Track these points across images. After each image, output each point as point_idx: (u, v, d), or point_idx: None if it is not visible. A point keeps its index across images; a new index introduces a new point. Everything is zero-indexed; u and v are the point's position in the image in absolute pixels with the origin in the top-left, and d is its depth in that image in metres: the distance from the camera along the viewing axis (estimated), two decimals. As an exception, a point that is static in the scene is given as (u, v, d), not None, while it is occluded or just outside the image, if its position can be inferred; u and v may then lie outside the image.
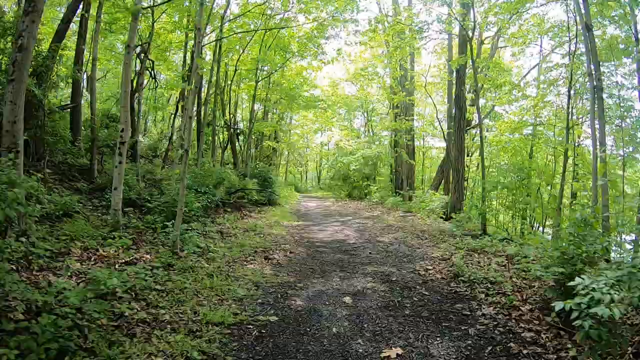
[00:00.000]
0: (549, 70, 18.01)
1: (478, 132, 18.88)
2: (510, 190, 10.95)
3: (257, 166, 18.49)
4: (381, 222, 12.20)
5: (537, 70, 19.43)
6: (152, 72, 18.44)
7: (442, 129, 17.19)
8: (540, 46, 17.55)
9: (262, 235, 8.86)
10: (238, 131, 23.48)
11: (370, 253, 7.53)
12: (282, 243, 8.24)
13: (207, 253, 6.49)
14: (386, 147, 24.76)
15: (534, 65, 19.58)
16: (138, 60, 18.73)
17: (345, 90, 32.52)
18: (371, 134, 28.41)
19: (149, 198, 8.83)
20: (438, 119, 17.28)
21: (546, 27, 17.52)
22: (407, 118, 20.11)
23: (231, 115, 23.45)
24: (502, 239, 8.80)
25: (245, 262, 6.40)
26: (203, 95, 17.99)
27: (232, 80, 22.18)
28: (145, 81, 18.41)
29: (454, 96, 18.14)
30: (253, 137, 21.70)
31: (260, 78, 19.43)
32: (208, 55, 19.48)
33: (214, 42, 18.67)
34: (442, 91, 23.35)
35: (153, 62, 18.31)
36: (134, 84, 18.75)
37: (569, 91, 17.19)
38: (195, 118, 19.84)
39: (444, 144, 30.21)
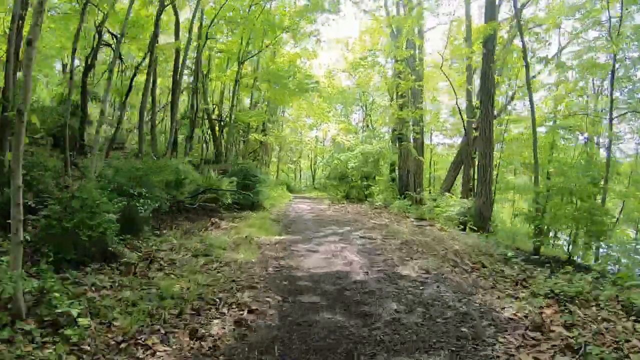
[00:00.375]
0: (586, 50, 14.76)
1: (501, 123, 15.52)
2: (575, 195, 7.61)
3: (239, 162, 15.03)
4: (394, 236, 8.78)
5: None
6: (115, 49, 15.01)
7: (462, 118, 13.81)
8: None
9: (213, 268, 5.40)
10: (223, 123, 19.94)
11: (395, 310, 4.06)
12: (243, 284, 4.77)
13: (65, 327, 3.04)
14: (387, 143, 21.36)
15: (564, 45, 16.29)
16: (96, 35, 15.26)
17: (342, 83, 29.22)
18: (371, 128, 25.01)
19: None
20: (458, 105, 13.87)
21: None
22: (417, 106, 16.73)
23: (214, 105, 19.94)
24: (596, 274, 5.41)
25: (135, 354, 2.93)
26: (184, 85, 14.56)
27: (212, 66, 18.71)
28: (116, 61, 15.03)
29: (477, 78, 14.72)
30: (238, 129, 18.21)
31: (244, 57, 15.94)
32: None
33: (193, 17, 15.22)
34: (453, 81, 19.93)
35: (117, 36, 14.87)
36: (89, 60, 15.28)
37: (612, 76, 13.98)
38: (170, 109, 16.39)
39: (448, 141, 26.98)
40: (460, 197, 13.57)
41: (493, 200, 12.54)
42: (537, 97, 17.69)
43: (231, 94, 16.09)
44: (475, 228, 11.66)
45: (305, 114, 23.66)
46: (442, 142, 24.77)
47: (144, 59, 14.44)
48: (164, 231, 8.02)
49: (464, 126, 14.28)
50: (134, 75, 15.44)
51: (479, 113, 12.38)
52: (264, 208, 13.34)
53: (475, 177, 13.94)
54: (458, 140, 28.00)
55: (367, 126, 26.68)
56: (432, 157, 25.17)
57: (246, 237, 7.69)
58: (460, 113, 13.79)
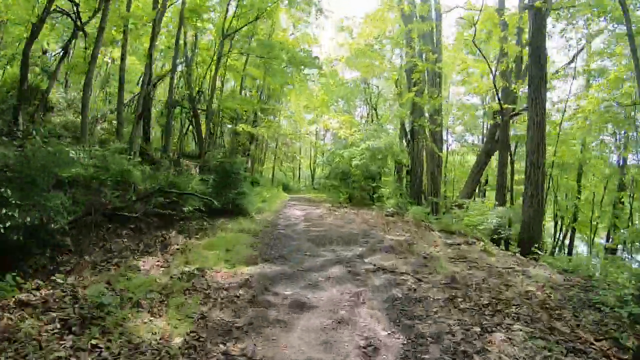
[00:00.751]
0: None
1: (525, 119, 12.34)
2: None
3: (219, 157, 11.91)
4: (428, 267, 5.65)
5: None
6: (76, 19, 11.94)
7: (499, 104, 10.63)
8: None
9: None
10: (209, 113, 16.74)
11: None
12: None
13: None
14: (394, 138, 18.23)
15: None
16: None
17: (345, 76, 26.03)
18: (377, 123, 21.83)
19: None
20: (495, 87, 10.69)
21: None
22: (435, 90, 13.59)
23: (198, 91, 16.78)
24: None
25: None
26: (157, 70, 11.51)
27: (198, 49, 15.55)
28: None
29: (523, 50, 11.52)
30: (219, 118, 15.04)
31: (229, 30, 12.80)
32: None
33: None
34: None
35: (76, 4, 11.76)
36: (35, 29, 12.11)
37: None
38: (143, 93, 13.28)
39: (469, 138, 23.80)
40: (496, 204, 10.45)
41: (544, 209, 9.41)
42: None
43: (213, 72, 12.93)
44: (519, 246, 8.58)
45: (304, 106, 20.39)
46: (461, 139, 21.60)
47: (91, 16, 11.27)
48: (72, 261, 4.93)
49: (499, 112, 11.13)
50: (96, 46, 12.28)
51: (529, 95, 9.26)
52: (248, 214, 10.22)
53: (499, 181, 10.85)
54: (474, 139, 24.91)
55: (372, 122, 23.53)
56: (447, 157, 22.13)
57: (194, 271, 4.57)
58: (497, 95, 10.58)
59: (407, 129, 24.25)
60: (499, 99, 10.38)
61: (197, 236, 6.99)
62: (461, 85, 15.48)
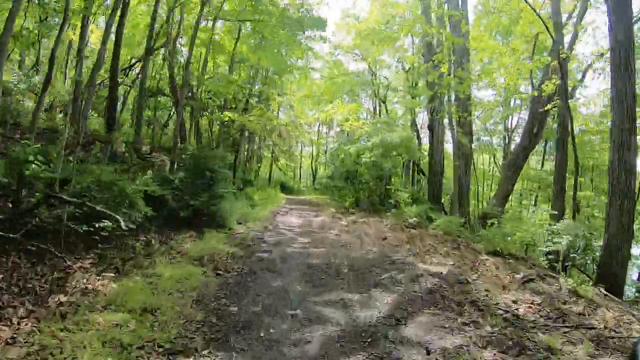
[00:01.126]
0: None
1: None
2: None
3: (189, 149, 9.12)
4: (526, 357, 2.85)
5: None
6: None
7: (562, 76, 7.74)
8: None
9: None
10: (192, 99, 13.90)
11: None
12: None
13: None
14: (407, 131, 15.43)
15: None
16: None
17: (350, 67, 23.13)
18: (387, 116, 18.95)
19: None
20: (558, 53, 7.81)
21: None
22: (464, 70, 10.72)
23: (181, 72, 13.91)
24: None
25: None
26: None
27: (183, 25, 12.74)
28: None
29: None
30: (199, 104, 12.21)
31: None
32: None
33: None
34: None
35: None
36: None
37: None
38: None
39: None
40: (555, 215, 7.60)
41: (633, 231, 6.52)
42: None
43: (190, 41, 10.11)
44: (599, 280, 5.79)
45: (304, 95, 17.41)
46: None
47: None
48: None
49: (556, 92, 8.26)
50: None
51: (613, 58, 6.41)
52: (224, 225, 7.44)
53: (557, 183, 8.02)
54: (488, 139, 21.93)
55: (381, 115, 20.64)
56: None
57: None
58: (560, 70, 7.70)
59: (419, 124, 21.49)
60: (561, 74, 7.49)
61: (119, 271, 4.19)
62: (493, 73, 12.58)
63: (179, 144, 9.19)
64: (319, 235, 7.69)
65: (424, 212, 10.02)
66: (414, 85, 18.32)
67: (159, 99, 15.82)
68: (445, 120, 12.95)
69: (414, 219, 8.95)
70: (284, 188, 21.07)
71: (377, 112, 22.13)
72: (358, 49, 20.31)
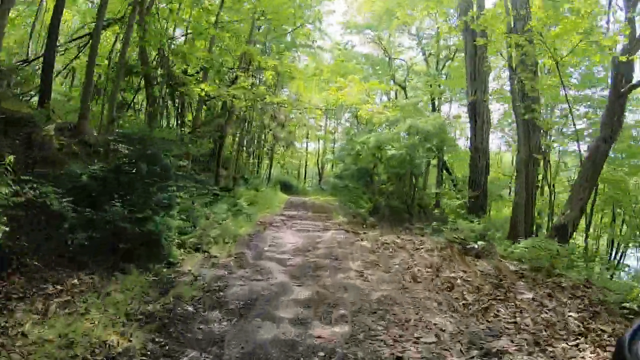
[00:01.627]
0: None
1: None
2: None
3: (126, 128, 5.82)
4: None
5: None
6: None
7: None
8: None
9: None
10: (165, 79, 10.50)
11: None
12: None
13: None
14: (439, 118, 11.87)
15: None
16: None
17: (361, 50, 19.58)
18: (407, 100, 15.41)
19: None
20: None
21: None
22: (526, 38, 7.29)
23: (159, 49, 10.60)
24: None
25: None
26: None
27: None
28: None
29: None
30: (173, 77, 8.87)
31: None
32: None
33: None
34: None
35: None
36: None
37: None
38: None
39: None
40: None
41: None
42: None
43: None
44: None
45: (311, 75, 13.93)
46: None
47: None
48: None
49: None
50: None
51: None
52: (159, 259, 4.14)
53: None
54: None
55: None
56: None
57: None
58: None
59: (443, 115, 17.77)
60: None
61: None
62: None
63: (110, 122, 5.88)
64: (331, 275, 4.36)
65: (484, 230, 6.63)
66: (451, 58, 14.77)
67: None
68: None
69: (479, 242, 5.55)
70: (286, 187, 17.74)
71: (392, 102, 18.62)
72: (370, 29, 16.95)
